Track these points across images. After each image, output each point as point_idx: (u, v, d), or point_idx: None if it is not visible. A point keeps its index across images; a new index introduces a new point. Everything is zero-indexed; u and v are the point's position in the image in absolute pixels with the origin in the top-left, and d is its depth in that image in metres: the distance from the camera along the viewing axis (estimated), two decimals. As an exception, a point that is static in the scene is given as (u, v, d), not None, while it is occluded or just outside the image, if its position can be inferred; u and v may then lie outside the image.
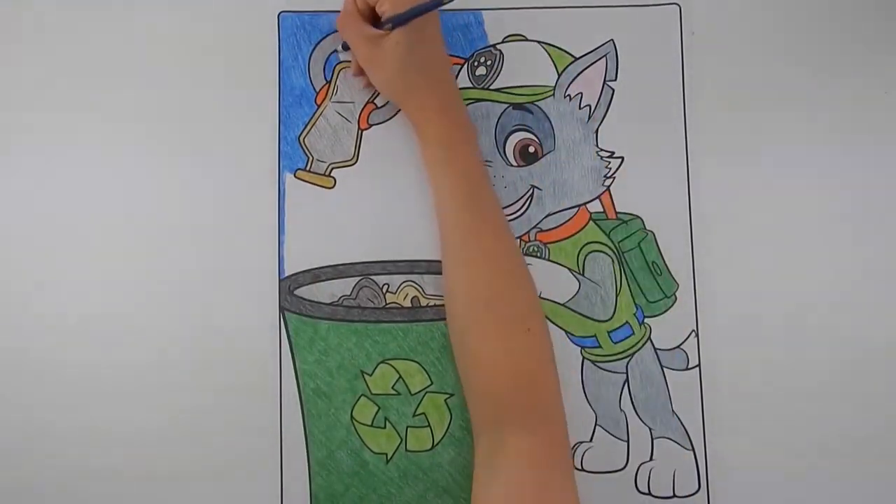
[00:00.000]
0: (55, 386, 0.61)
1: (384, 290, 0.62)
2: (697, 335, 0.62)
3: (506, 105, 0.63)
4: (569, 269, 0.62)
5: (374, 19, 0.59)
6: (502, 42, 0.64)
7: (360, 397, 0.61)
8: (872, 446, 0.62)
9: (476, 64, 0.63)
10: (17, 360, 0.61)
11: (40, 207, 0.62)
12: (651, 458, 0.61)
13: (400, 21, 0.55)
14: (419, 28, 0.56)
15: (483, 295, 0.56)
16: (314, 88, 0.63)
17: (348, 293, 0.61)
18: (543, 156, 0.63)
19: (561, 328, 0.62)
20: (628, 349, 0.62)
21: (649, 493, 0.61)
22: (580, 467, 0.61)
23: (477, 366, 0.56)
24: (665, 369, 0.62)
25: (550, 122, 0.63)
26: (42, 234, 0.62)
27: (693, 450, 0.61)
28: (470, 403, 0.57)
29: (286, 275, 0.62)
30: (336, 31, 0.63)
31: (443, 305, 0.61)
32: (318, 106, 0.63)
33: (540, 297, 0.61)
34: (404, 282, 0.62)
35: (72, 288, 0.61)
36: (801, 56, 0.64)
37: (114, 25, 0.63)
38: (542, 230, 0.62)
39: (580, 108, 0.63)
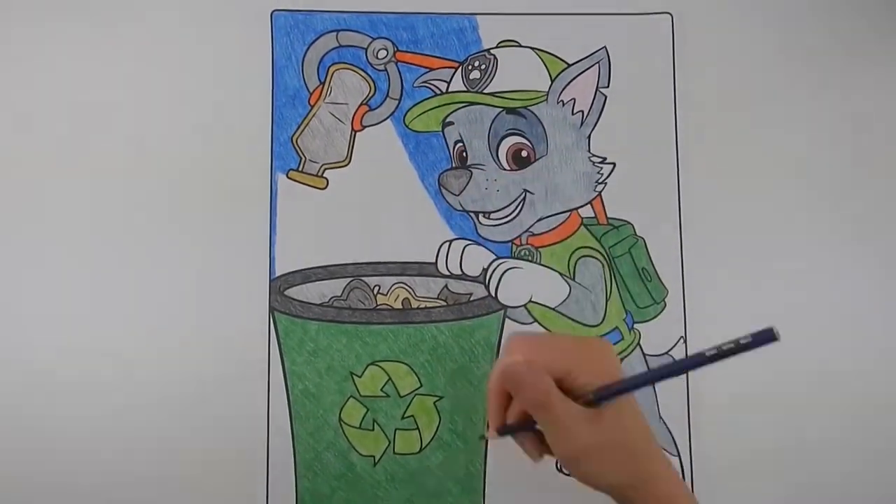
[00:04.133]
0: (44, 385, 0.60)
1: (375, 292, 0.61)
2: (686, 341, 0.62)
3: (499, 109, 0.63)
4: (560, 273, 0.62)
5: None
6: (496, 47, 0.64)
7: (348, 399, 0.60)
8: (858, 452, 0.62)
9: (470, 68, 0.64)
10: (10, 361, 0.60)
11: (38, 207, 0.62)
12: (638, 464, 0.62)
13: (613, 393, 0.46)
14: (628, 399, 0.47)
15: None
16: (308, 89, 0.63)
17: (339, 294, 0.61)
18: (536, 160, 0.63)
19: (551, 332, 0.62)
20: (618, 354, 0.62)
21: (636, 499, 0.61)
22: (567, 473, 0.61)
23: None
24: (653, 375, 0.62)
25: (543, 127, 0.63)
26: (35, 233, 0.61)
27: (679, 455, 0.62)
28: None
29: (277, 275, 0.61)
30: (330, 31, 0.63)
31: (433, 307, 0.61)
32: (312, 106, 0.63)
33: (531, 300, 0.62)
34: (395, 283, 0.62)
35: (62, 287, 0.61)
36: (792, 64, 0.65)
37: (105, 24, 0.63)
38: (533, 234, 0.63)
39: (573, 114, 0.63)
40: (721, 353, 0.43)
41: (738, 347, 0.42)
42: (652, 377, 0.49)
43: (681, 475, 0.56)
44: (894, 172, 0.65)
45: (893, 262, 0.64)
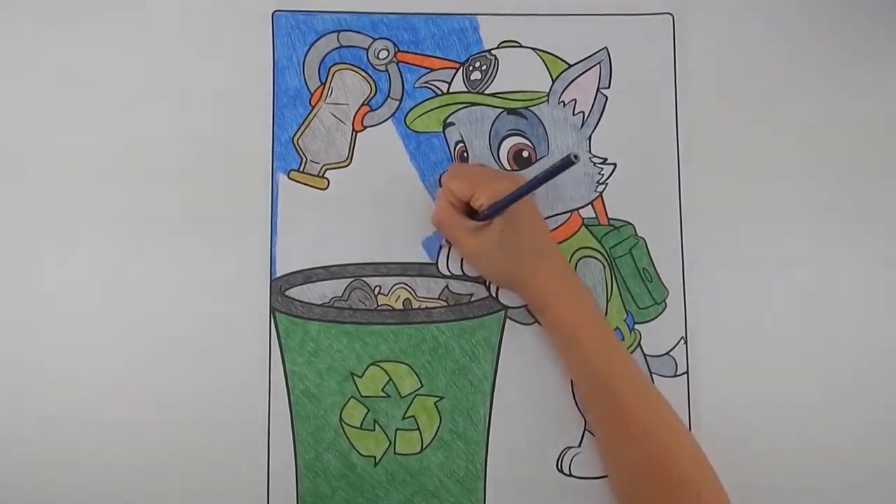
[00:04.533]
0: (43, 386, 0.60)
1: (376, 292, 0.61)
2: (686, 342, 0.62)
3: (500, 110, 0.63)
4: (560, 274, 0.62)
5: (469, 213, 0.58)
6: (497, 47, 0.64)
7: (349, 399, 0.60)
8: (860, 454, 0.62)
9: (471, 68, 0.64)
10: (9, 361, 0.60)
11: (39, 210, 0.62)
12: (639, 464, 0.62)
13: (498, 209, 0.55)
14: (518, 212, 0.56)
15: (644, 473, 0.54)
16: (308, 89, 0.63)
17: (340, 294, 0.61)
18: (537, 161, 0.63)
19: (552, 333, 0.62)
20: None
21: (636, 499, 0.61)
22: (568, 472, 0.61)
23: None
24: (654, 375, 0.62)
25: (544, 127, 0.63)
26: (34, 234, 0.61)
27: (680, 456, 0.62)
28: None
29: (278, 275, 0.61)
30: (331, 31, 0.63)
31: (434, 308, 0.61)
32: (313, 107, 0.63)
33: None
34: (396, 284, 0.62)
35: (62, 287, 0.61)
36: (793, 64, 0.65)
37: (106, 25, 0.63)
38: (534, 235, 0.63)
39: (574, 115, 0.63)
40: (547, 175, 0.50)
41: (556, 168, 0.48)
42: (518, 192, 0.53)
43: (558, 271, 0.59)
44: None
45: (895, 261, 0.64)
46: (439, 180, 0.62)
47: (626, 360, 0.57)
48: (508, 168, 0.63)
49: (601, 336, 0.57)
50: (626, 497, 0.57)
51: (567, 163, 0.46)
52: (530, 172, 0.63)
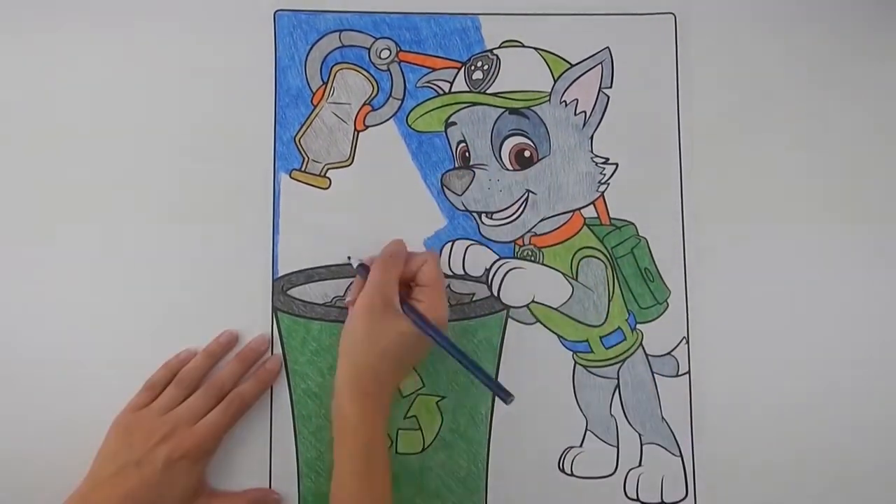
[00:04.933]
0: (45, 386, 0.60)
1: (378, 292, 0.61)
2: (688, 342, 0.62)
3: (502, 110, 0.63)
4: (562, 273, 0.62)
5: (405, 287, 0.58)
6: (499, 47, 0.64)
7: (351, 399, 0.60)
8: (860, 455, 0.62)
9: (473, 68, 0.64)
10: (11, 354, 0.60)
11: (37, 207, 0.62)
12: (640, 464, 0.62)
13: (417, 323, 0.55)
14: (426, 341, 0.55)
15: None
16: (310, 89, 0.63)
17: (341, 294, 0.61)
18: (539, 160, 0.63)
19: (554, 332, 0.62)
20: (620, 355, 0.62)
21: (638, 499, 0.61)
22: (570, 472, 0.61)
23: None
24: (656, 375, 0.62)
25: (546, 127, 0.63)
26: (35, 233, 0.61)
27: (681, 456, 0.62)
28: None
29: (279, 275, 0.61)
30: (333, 31, 0.63)
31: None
32: (315, 106, 0.63)
33: (533, 301, 0.62)
34: (398, 284, 0.61)
35: (64, 287, 0.61)
36: (795, 63, 0.65)
37: (109, 25, 0.63)
38: (536, 234, 0.63)
39: (575, 114, 0.63)
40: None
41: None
42: (437, 339, 0.56)
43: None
44: (897, 173, 0.65)
45: (896, 262, 0.64)
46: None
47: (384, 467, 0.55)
48: (511, 168, 0.63)
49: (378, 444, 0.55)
50: None
51: (501, 397, 0.54)
52: (532, 172, 0.63)
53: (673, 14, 0.65)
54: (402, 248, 0.60)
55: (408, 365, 0.58)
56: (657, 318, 0.63)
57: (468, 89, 0.63)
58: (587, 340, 0.62)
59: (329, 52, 0.64)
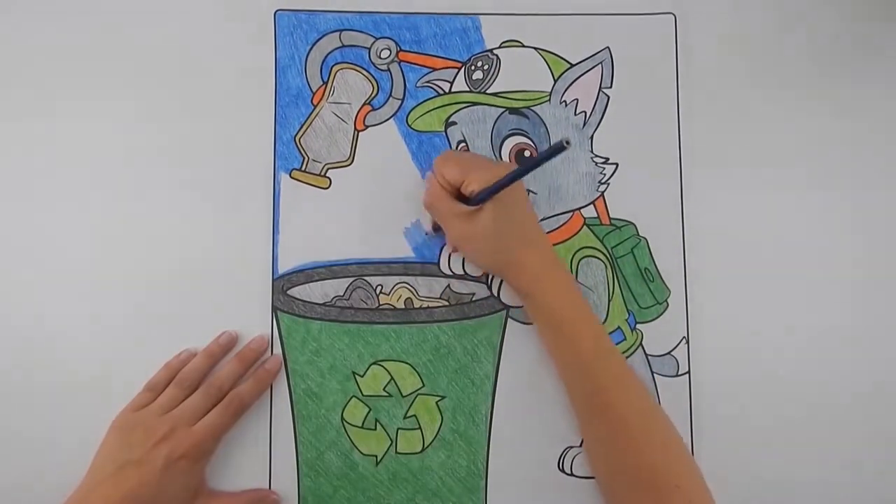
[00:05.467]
0: (46, 382, 0.60)
1: (378, 292, 0.61)
2: (688, 342, 0.62)
3: (502, 109, 0.63)
4: (562, 273, 0.62)
5: (460, 198, 0.58)
6: (499, 47, 0.64)
7: (350, 398, 0.60)
8: (860, 454, 0.62)
9: (473, 68, 0.64)
10: (10, 354, 0.60)
11: (36, 208, 0.62)
12: (640, 464, 0.62)
13: (488, 195, 0.54)
14: (507, 198, 0.55)
15: (624, 464, 0.54)
16: (311, 88, 0.63)
17: (341, 294, 0.61)
18: (539, 160, 0.63)
19: (553, 332, 0.62)
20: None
21: (638, 499, 0.61)
22: (569, 472, 0.61)
23: None
24: (655, 375, 0.62)
25: (546, 127, 0.63)
26: (38, 234, 0.61)
27: (681, 456, 0.62)
28: None
29: (280, 274, 0.61)
30: (334, 31, 0.63)
31: (435, 307, 0.61)
32: (315, 106, 0.63)
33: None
34: (398, 283, 0.62)
35: (65, 286, 0.61)
36: (795, 63, 0.65)
37: (109, 24, 0.63)
38: (536, 234, 0.63)
39: (575, 114, 0.63)
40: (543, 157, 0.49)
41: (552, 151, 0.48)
42: (509, 178, 0.53)
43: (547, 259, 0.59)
44: (897, 173, 0.65)
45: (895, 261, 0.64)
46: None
47: (612, 350, 0.57)
48: (510, 168, 0.63)
49: (587, 324, 0.57)
50: (608, 487, 0.57)
51: (558, 148, 0.46)
52: (532, 172, 0.62)
53: (673, 14, 0.65)
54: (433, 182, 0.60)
55: (527, 225, 0.58)
56: (657, 317, 0.63)
57: (468, 89, 0.63)
58: (587, 340, 0.62)
59: (329, 52, 0.64)
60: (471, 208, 0.56)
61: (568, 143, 0.45)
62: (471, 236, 0.57)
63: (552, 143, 0.45)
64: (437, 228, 0.62)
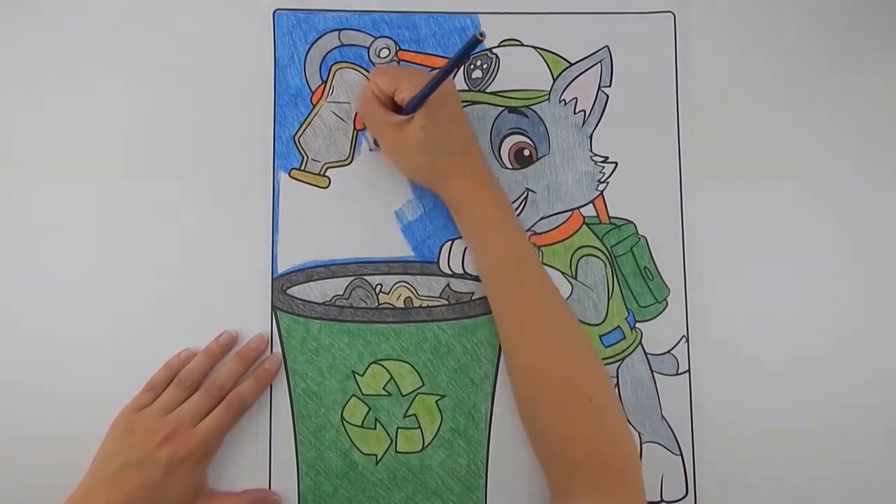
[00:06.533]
0: (44, 385, 0.60)
1: (377, 291, 0.61)
2: (688, 340, 0.62)
3: (501, 108, 0.63)
4: (562, 272, 0.62)
5: (395, 108, 0.58)
6: (498, 46, 0.64)
7: (350, 398, 0.60)
8: (861, 454, 0.62)
9: (472, 67, 0.64)
10: (10, 354, 0.60)
11: (33, 211, 0.62)
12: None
13: (417, 102, 0.54)
14: (440, 107, 0.56)
15: (541, 377, 0.56)
16: (310, 88, 0.63)
17: (341, 293, 0.61)
18: (538, 159, 0.63)
19: (553, 331, 0.62)
20: (619, 353, 0.62)
21: (638, 498, 0.61)
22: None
23: (546, 435, 0.56)
24: (655, 374, 0.62)
25: (545, 126, 0.63)
26: (34, 232, 0.61)
27: (681, 455, 0.62)
28: (544, 470, 0.57)
29: (279, 274, 0.61)
30: (333, 30, 0.63)
31: (436, 306, 0.61)
32: (314, 105, 0.63)
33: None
34: (397, 282, 0.62)
35: (64, 286, 0.61)
36: (794, 62, 0.65)
37: (108, 24, 0.63)
38: (535, 233, 0.63)
39: (575, 113, 0.63)
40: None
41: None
42: (435, 79, 0.52)
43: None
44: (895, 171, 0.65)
45: (894, 260, 0.64)
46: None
47: (533, 269, 0.58)
48: (510, 167, 0.63)
49: (515, 239, 0.58)
50: (526, 403, 0.57)
51: (473, 42, 0.45)
52: (531, 171, 0.63)
53: (672, 13, 0.65)
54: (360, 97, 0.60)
55: (458, 136, 0.58)
56: (656, 316, 0.63)
57: (467, 88, 0.63)
58: (587, 339, 0.62)
59: (328, 52, 0.64)
60: (403, 118, 0.56)
61: (482, 34, 0.44)
62: (402, 146, 0.57)
63: (468, 39, 0.46)
64: (378, 143, 0.62)
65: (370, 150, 0.62)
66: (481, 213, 0.57)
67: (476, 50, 0.47)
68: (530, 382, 0.57)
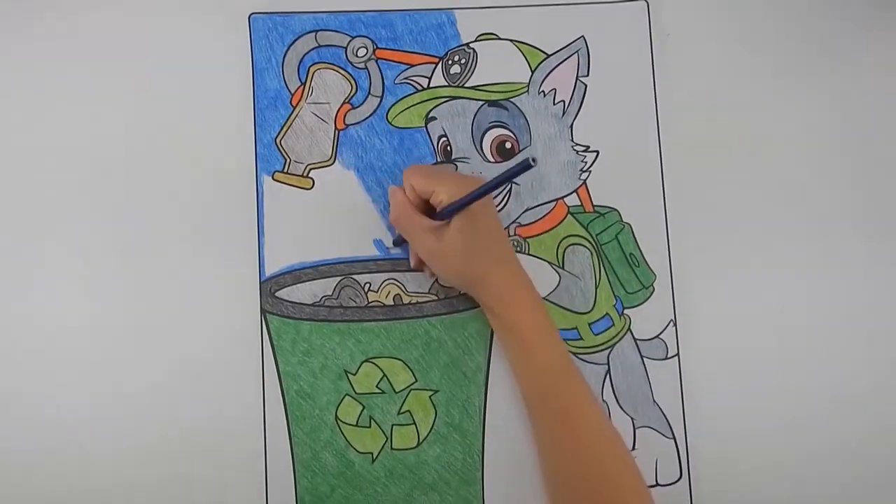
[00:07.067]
0: (36, 392, 0.60)
1: (366, 289, 0.61)
2: (676, 325, 0.63)
3: (481, 102, 0.63)
4: (549, 262, 0.63)
5: (427, 210, 0.57)
6: (475, 41, 0.64)
7: (344, 397, 0.60)
8: (851, 433, 0.63)
9: (450, 63, 0.64)
10: (8, 355, 0.60)
11: (24, 212, 0.61)
12: (633, 448, 0.62)
13: (457, 208, 0.54)
14: (478, 213, 0.55)
15: (579, 481, 0.56)
16: (289, 90, 0.63)
17: (330, 293, 0.61)
18: (520, 151, 0.63)
19: (542, 321, 0.62)
20: (609, 340, 0.62)
21: (633, 483, 0.62)
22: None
23: None
24: (645, 359, 0.63)
25: (526, 118, 0.63)
26: (24, 236, 0.61)
27: (674, 438, 0.62)
28: None
29: (266, 277, 0.61)
30: (309, 32, 0.63)
31: (425, 302, 0.61)
32: (294, 107, 0.63)
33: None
34: (386, 280, 0.62)
35: (50, 292, 0.61)
36: (771, 48, 0.66)
37: (85, 30, 0.63)
38: (521, 225, 0.63)
39: (554, 104, 0.64)
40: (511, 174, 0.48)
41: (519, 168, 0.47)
42: (479, 192, 0.52)
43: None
44: (878, 154, 0.65)
45: (882, 247, 0.65)
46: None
47: (573, 371, 0.57)
48: (493, 160, 0.63)
49: (551, 344, 0.57)
50: (555, 493, 0.58)
51: (525, 166, 0.45)
52: (512, 164, 0.63)
53: (646, 1, 0.65)
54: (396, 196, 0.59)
55: (495, 240, 0.58)
56: (644, 302, 0.63)
57: (446, 84, 0.64)
58: (576, 328, 0.62)
59: (306, 53, 0.64)
60: (438, 223, 0.56)
61: (534, 160, 0.45)
62: (438, 252, 0.56)
63: (519, 162, 0.45)
64: (398, 242, 0.62)
65: (391, 248, 0.62)
66: (518, 315, 0.57)
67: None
68: (569, 483, 0.56)
